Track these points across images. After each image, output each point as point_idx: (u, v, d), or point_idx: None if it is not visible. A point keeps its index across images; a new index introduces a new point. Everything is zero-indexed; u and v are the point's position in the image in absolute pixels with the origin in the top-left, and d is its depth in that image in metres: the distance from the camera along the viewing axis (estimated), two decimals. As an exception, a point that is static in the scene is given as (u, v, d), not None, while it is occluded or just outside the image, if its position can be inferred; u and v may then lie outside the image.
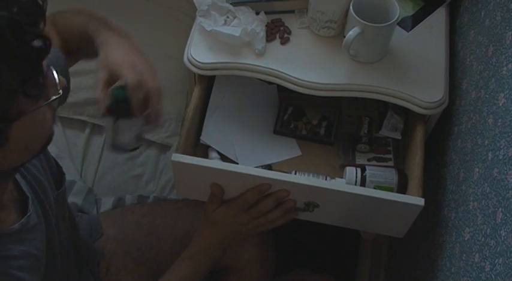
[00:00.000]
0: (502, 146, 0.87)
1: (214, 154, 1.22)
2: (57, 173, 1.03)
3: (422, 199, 1.04)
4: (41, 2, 0.70)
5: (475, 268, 0.88)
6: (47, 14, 0.73)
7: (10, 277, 0.81)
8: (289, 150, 1.24)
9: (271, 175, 1.06)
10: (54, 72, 0.76)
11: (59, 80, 0.77)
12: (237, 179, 1.06)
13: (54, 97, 0.76)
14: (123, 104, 0.94)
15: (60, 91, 0.77)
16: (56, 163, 1.04)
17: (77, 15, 1.06)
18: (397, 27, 1.18)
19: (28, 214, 0.87)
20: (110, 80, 0.95)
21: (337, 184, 1.07)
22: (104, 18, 1.06)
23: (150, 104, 0.97)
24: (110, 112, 0.95)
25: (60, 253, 0.99)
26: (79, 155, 1.54)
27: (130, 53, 1.00)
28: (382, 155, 1.20)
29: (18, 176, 0.90)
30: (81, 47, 1.03)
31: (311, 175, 1.16)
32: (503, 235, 0.80)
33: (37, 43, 0.70)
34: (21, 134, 0.74)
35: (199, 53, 1.16)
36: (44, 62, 0.73)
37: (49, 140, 0.82)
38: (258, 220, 1.13)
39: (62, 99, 0.79)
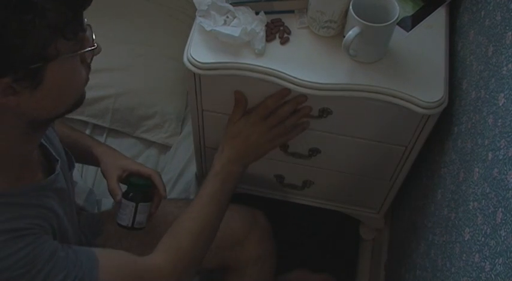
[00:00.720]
0: (502, 146, 0.87)
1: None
2: (67, 155, 1.10)
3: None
4: None
5: (475, 268, 0.88)
6: None
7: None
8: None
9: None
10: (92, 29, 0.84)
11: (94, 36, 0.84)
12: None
13: (89, 48, 0.83)
14: (143, 191, 1.21)
15: (96, 44, 0.85)
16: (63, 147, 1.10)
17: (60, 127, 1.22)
18: (397, 27, 1.18)
19: (56, 173, 0.95)
20: (121, 176, 1.22)
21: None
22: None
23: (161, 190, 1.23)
24: (129, 198, 1.19)
25: (73, 234, 1.04)
26: (79, 155, 1.54)
27: (130, 159, 1.28)
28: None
29: (45, 142, 0.98)
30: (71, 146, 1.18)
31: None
32: (503, 235, 0.80)
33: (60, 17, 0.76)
34: (55, 78, 0.79)
35: (199, 53, 1.16)
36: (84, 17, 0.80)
37: (81, 99, 0.90)
38: (276, 129, 1.18)
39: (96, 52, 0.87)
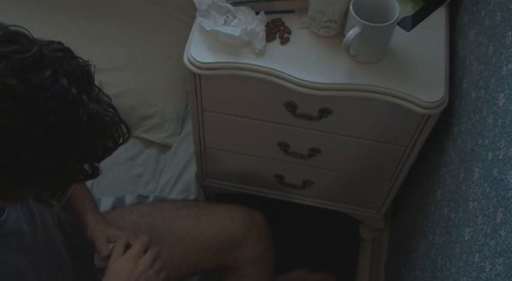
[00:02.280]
0: (502, 146, 0.87)
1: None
2: None
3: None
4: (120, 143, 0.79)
5: (475, 268, 0.88)
6: None
7: None
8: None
9: None
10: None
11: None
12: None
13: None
14: None
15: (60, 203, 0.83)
16: None
17: None
18: (397, 27, 1.18)
19: (1, 218, 0.86)
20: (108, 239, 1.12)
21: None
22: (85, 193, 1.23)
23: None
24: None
25: (67, 252, 1.00)
26: (79, 155, 1.54)
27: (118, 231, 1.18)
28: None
29: None
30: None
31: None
32: (503, 235, 0.80)
33: (88, 170, 0.76)
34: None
35: (199, 53, 1.16)
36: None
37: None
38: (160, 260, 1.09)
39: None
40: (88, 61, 0.77)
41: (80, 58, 0.77)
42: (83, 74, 0.74)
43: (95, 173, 0.79)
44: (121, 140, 0.80)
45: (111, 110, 0.77)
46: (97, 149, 0.76)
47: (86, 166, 0.77)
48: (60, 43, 0.76)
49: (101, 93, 0.77)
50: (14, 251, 0.88)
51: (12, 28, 0.73)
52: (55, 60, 0.72)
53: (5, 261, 0.86)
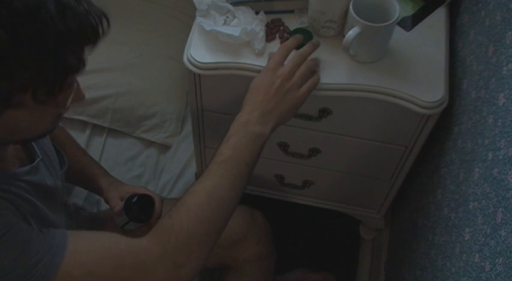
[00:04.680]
0: (502, 146, 0.87)
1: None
2: (58, 154, 1.08)
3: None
4: (101, 32, 0.79)
5: (475, 268, 0.88)
6: None
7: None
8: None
9: None
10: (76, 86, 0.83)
11: (70, 98, 0.82)
12: None
13: (57, 112, 0.82)
14: (140, 211, 1.14)
15: (67, 108, 0.83)
16: (54, 146, 1.08)
17: (71, 145, 1.25)
18: (397, 27, 1.18)
19: (32, 165, 0.91)
20: (123, 197, 1.16)
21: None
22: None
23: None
24: (125, 212, 1.14)
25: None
26: (79, 155, 1.55)
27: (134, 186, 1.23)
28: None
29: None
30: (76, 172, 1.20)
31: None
32: (503, 235, 0.80)
33: (73, 61, 0.75)
34: (12, 118, 0.76)
35: (199, 53, 1.16)
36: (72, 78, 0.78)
37: (46, 133, 0.87)
38: (302, 69, 1.02)
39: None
40: None
41: None
42: None
43: (81, 63, 0.77)
44: (100, 29, 0.80)
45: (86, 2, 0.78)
46: (73, 35, 0.74)
47: (69, 54, 0.75)
48: None
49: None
50: (35, 197, 0.91)
51: None
52: None
53: (22, 195, 0.88)
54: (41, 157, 0.96)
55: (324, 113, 1.22)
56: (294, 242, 1.75)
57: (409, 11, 1.23)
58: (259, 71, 1.15)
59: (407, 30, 1.20)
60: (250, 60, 1.15)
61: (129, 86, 1.61)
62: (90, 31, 0.77)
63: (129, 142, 1.62)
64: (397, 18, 1.08)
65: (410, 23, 1.21)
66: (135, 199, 1.14)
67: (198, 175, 1.57)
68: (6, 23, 0.68)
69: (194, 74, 1.18)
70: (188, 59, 1.16)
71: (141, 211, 1.14)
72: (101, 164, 1.56)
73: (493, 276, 0.80)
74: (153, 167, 1.59)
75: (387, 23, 1.07)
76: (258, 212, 1.38)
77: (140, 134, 1.62)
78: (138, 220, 1.14)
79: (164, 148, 1.63)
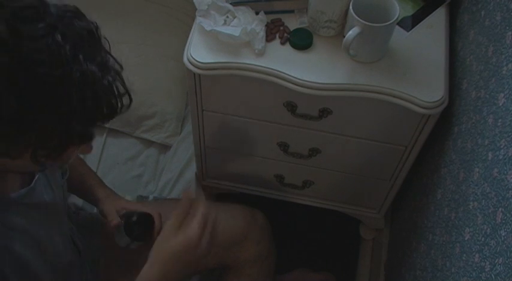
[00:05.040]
0: (502, 146, 0.87)
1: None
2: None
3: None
4: (118, 110, 0.78)
5: (475, 268, 0.88)
6: None
7: (6, 250, 0.82)
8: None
9: None
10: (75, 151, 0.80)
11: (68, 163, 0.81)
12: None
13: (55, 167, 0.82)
14: (141, 231, 1.15)
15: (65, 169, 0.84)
16: None
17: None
18: (397, 27, 1.18)
19: (30, 186, 0.89)
20: (119, 212, 1.17)
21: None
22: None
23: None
24: (127, 232, 1.14)
25: (63, 242, 1.00)
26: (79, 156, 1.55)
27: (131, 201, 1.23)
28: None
29: None
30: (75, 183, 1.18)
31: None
32: (503, 235, 0.80)
33: (80, 132, 0.74)
34: (5, 162, 0.75)
35: (199, 53, 1.16)
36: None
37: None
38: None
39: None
40: (96, 25, 0.77)
41: (92, 22, 0.77)
42: (83, 35, 0.73)
43: (87, 136, 0.76)
44: (118, 108, 0.79)
45: (113, 76, 0.76)
46: (89, 110, 0.73)
47: (79, 127, 0.74)
48: (74, 7, 0.76)
49: (109, 61, 0.77)
50: (37, 223, 0.89)
51: None
52: (56, 15, 0.72)
53: (33, 234, 0.87)
54: (37, 175, 0.93)
55: (324, 113, 1.22)
56: (294, 242, 1.75)
57: (409, 11, 1.23)
58: (259, 71, 1.15)
59: (407, 30, 1.20)
60: (250, 60, 1.15)
61: (129, 86, 1.60)
62: (107, 109, 0.76)
63: (129, 142, 1.62)
64: (397, 18, 1.08)
65: (410, 23, 1.21)
66: (134, 217, 1.14)
67: (198, 175, 1.57)
68: (25, 89, 0.67)
69: (194, 74, 1.18)
70: (188, 59, 1.16)
71: (142, 231, 1.15)
72: (101, 163, 1.56)
73: (493, 276, 0.80)
74: (153, 167, 1.59)
75: (387, 23, 1.07)
76: (258, 212, 1.38)
77: (140, 134, 1.62)
78: (140, 240, 1.15)
79: (164, 147, 1.63)
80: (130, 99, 0.81)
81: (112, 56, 0.78)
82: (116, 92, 0.77)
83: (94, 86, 0.72)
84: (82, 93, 0.71)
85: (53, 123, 0.71)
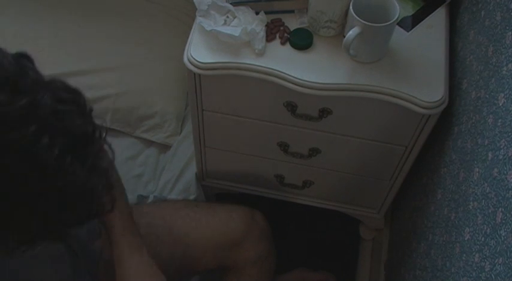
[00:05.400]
0: (502, 146, 0.87)
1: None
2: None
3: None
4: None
5: (475, 268, 0.88)
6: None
7: None
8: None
9: None
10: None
11: None
12: None
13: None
14: None
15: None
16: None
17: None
18: (397, 27, 1.18)
19: None
20: None
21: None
22: (129, 216, 1.10)
23: None
24: None
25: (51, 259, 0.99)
26: (79, 155, 1.54)
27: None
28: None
29: None
30: None
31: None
32: (503, 235, 0.80)
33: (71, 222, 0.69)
34: None
35: (199, 52, 1.16)
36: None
37: None
38: None
39: None
40: (92, 111, 0.69)
41: (88, 118, 0.68)
42: (77, 135, 0.65)
43: (58, 236, 0.71)
44: (94, 215, 0.71)
45: (98, 179, 0.69)
46: (66, 217, 0.68)
47: (54, 227, 0.69)
48: (73, 90, 0.67)
49: (99, 158, 0.69)
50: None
51: (14, 59, 0.64)
52: (46, 114, 0.63)
53: None
54: None
55: (324, 113, 1.22)
56: (294, 242, 1.75)
57: (409, 11, 1.23)
58: (259, 71, 1.15)
59: (407, 30, 1.20)
60: (250, 60, 1.15)
61: (129, 86, 1.60)
62: (83, 217, 0.70)
63: (129, 142, 1.62)
64: (397, 18, 1.08)
65: (410, 23, 1.21)
66: None
67: (198, 175, 1.57)
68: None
69: (194, 74, 1.18)
70: (188, 59, 1.16)
71: None
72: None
73: (493, 276, 0.80)
74: (153, 167, 1.59)
75: (387, 23, 1.07)
76: (258, 213, 1.38)
77: (140, 133, 1.62)
78: None
79: (164, 147, 1.63)
80: (113, 200, 0.73)
81: (102, 149, 0.71)
82: (98, 198, 0.70)
83: (75, 194, 0.66)
84: (61, 202, 0.66)
85: (28, 222, 0.66)
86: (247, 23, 1.16)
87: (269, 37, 1.17)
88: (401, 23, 1.20)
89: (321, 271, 1.68)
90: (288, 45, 1.17)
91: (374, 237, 1.74)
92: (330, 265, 1.72)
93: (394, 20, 1.07)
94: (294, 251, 1.73)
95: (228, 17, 1.17)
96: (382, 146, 1.29)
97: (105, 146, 0.72)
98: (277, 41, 1.18)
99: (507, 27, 0.95)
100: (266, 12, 1.18)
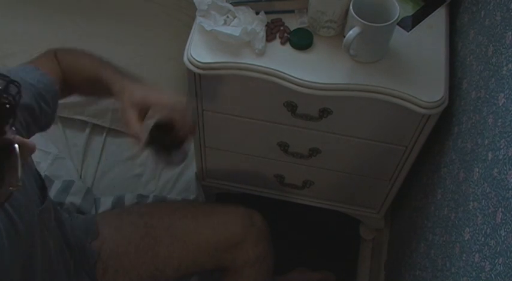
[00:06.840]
0: (502, 146, 0.87)
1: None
2: (41, 186, 1.01)
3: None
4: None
5: (475, 268, 0.88)
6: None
7: None
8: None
9: None
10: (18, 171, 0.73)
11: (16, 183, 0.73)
12: None
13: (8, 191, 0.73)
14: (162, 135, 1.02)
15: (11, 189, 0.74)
16: (39, 175, 1.01)
17: (83, 58, 1.13)
18: (397, 27, 1.18)
19: None
20: (140, 116, 1.02)
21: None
22: (114, 65, 1.14)
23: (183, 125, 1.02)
24: (151, 143, 1.02)
25: (42, 265, 0.97)
26: (79, 155, 1.55)
27: (150, 90, 1.05)
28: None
29: None
30: (83, 85, 1.11)
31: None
32: (503, 235, 0.80)
33: None
34: None
35: (199, 52, 1.16)
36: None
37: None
38: None
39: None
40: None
41: None
42: None
43: None
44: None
45: None
46: None
47: None
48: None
49: None
50: None
51: None
52: None
53: None
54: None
55: (324, 113, 1.22)
56: (294, 242, 1.75)
57: (409, 11, 1.23)
58: (259, 71, 1.15)
59: (407, 30, 1.20)
60: (250, 60, 1.15)
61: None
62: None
63: (129, 141, 1.62)
64: (397, 18, 1.08)
65: (410, 23, 1.21)
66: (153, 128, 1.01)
67: (198, 175, 1.57)
68: None
69: (194, 74, 1.18)
70: (188, 59, 1.16)
71: (168, 141, 1.03)
72: (101, 162, 1.56)
73: (493, 276, 0.80)
74: (153, 167, 1.59)
75: (387, 23, 1.07)
76: (256, 214, 1.38)
77: (140, 134, 1.62)
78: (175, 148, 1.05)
79: (164, 147, 1.63)
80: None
81: None
82: None
83: None
84: None
85: None
86: (247, 23, 1.16)
87: (269, 37, 1.17)
88: (401, 23, 1.20)
89: (321, 271, 1.68)
90: (288, 45, 1.17)
91: (374, 237, 1.74)
92: (330, 265, 1.72)
93: (394, 20, 1.07)
94: (294, 251, 1.73)
95: (228, 17, 1.17)
96: (382, 146, 1.29)
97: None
98: (277, 41, 1.18)
99: (507, 27, 0.95)
100: (266, 12, 1.18)
